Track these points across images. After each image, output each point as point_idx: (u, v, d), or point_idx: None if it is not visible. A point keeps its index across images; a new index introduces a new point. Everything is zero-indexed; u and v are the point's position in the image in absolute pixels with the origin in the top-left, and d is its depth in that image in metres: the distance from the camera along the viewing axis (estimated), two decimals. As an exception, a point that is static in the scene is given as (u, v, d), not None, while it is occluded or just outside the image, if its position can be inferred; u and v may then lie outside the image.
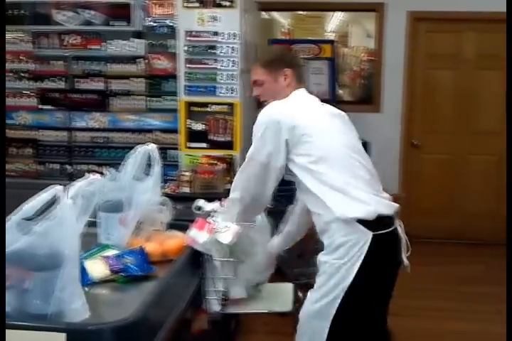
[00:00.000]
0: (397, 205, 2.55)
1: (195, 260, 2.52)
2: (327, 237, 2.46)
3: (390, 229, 2.46)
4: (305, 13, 6.45)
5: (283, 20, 7.60)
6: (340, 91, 6.68)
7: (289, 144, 2.46)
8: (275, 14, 7.16)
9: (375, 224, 2.40)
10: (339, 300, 2.40)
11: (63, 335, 1.65)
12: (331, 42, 5.98)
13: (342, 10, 7.17)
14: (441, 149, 6.17)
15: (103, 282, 2.17)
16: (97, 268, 2.20)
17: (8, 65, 5.17)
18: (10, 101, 5.22)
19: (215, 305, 2.61)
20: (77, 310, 1.78)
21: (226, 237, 2.56)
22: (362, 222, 2.39)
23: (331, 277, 2.42)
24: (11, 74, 5.20)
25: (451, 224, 6.14)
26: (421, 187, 6.19)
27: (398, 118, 6.12)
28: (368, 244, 2.38)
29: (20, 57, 5.19)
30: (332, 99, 5.57)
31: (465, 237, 6.10)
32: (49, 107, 5.18)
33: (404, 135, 6.16)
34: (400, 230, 2.53)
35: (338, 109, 5.14)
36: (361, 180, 2.47)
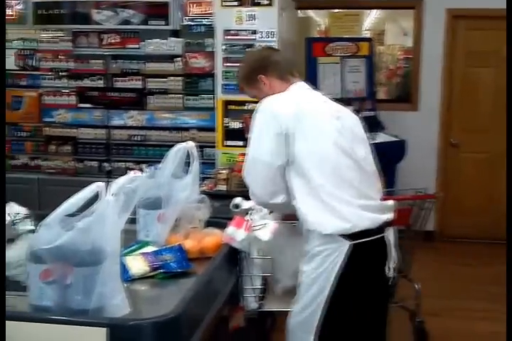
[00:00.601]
0: (387, 216, 2.41)
1: (233, 257, 2.53)
2: (307, 244, 2.38)
3: (374, 238, 2.35)
4: (342, 11, 6.41)
5: (319, 18, 7.58)
6: (377, 90, 6.63)
7: (288, 139, 2.34)
8: (311, 13, 7.15)
9: (355, 235, 2.30)
10: (320, 312, 2.33)
11: (104, 330, 1.67)
12: (369, 40, 5.93)
13: (380, 8, 7.13)
14: (479, 148, 6.08)
15: (142, 278, 2.20)
16: (137, 264, 2.22)
17: (48, 64, 5.26)
18: (49, 99, 5.30)
19: (252, 303, 2.61)
20: (118, 305, 1.80)
21: (264, 234, 2.56)
22: (339, 234, 2.31)
23: (310, 288, 2.35)
24: (50, 73, 5.28)
25: (489, 224, 6.04)
26: (459, 187, 6.12)
27: (436, 116, 6.05)
28: (345, 253, 2.29)
29: (60, 56, 5.27)
30: (369, 97, 5.54)
31: (503, 237, 6.01)
32: (88, 105, 5.25)
33: (442, 134, 6.09)
34: (390, 238, 2.42)
35: (376, 107, 5.09)
36: (348, 189, 2.33)
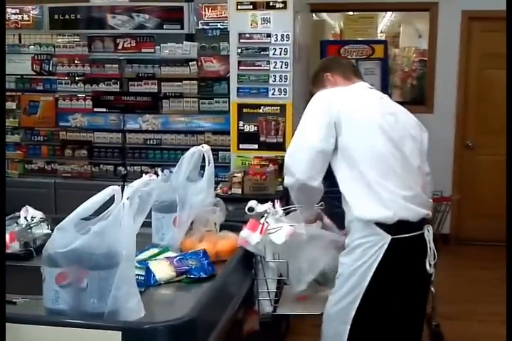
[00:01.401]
0: (427, 212, 2.48)
1: (248, 261, 2.53)
2: (348, 237, 2.45)
3: (413, 234, 2.40)
4: (356, 13, 6.41)
5: (333, 21, 7.58)
6: (392, 92, 6.61)
7: (336, 129, 2.44)
8: (325, 16, 7.15)
9: (395, 227, 2.35)
10: (357, 303, 2.38)
11: (119, 334, 1.68)
12: (383, 42, 5.93)
13: (394, 10, 7.12)
14: (495, 150, 6.02)
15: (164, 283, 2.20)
16: (162, 269, 2.22)
17: (64, 69, 5.30)
18: (65, 104, 5.34)
19: (267, 306, 2.60)
20: (133, 308, 1.80)
21: (279, 237, 2.55)
22: (381, 224, 2.36)
23: (348, 279, 2.40)
24: (66, 77, 5.31)
25: (505, 227, 6.00)
26: (475, 189, 6.08)
27: (451, 119, 6.02)
28: (386, 247, 2.34)
29: (76, 61, 5.30)
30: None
31: (521, 240, 5.96)
32: (103, 110, 5.27)
33: (457, 136, 6.06)
34: (428, 235, 2.46)
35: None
36: (394, 181, 2.41)
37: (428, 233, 2.46)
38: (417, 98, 6.67)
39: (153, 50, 5.08)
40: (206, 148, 2.63)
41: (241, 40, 4.58)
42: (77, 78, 5.29)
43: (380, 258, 2.34)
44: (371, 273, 2.35)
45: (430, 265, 2.47)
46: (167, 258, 2.29)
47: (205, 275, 2.23)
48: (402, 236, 2.36)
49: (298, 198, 2.62)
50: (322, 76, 2.75)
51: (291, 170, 2.51)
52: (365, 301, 2.37)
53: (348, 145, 2.43)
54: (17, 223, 2.53)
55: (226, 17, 4.79)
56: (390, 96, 5.97)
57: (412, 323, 2.54)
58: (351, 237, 2.43)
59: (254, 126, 4.69)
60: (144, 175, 1.94)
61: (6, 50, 4.41)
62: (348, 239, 2.44)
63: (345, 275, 2.41)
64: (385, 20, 8.58)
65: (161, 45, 5.05)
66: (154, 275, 2.17)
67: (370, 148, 2.42)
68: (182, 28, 4.99)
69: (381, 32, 8.09)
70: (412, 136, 2.58)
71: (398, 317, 2.45)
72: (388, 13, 7.95)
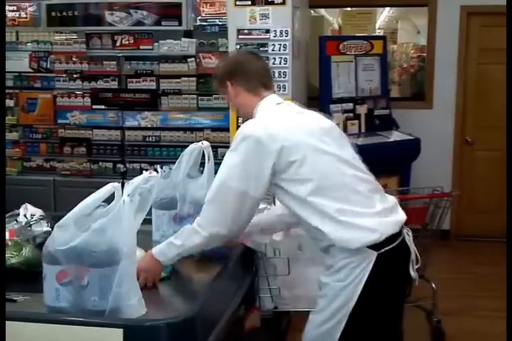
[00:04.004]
0: (402, 215, 2.35)
1: (249, 257, 2.53)
2: (329, 257, 2.29)
3: (397, 242, 2.28)
4: (355, 9, 6.39)
5: (332, 17, 7.56)
6: (391, 88, 6.59)
7: (275, 169, 2.21)
8: (324, 12, 7.13)
9: (380, 243, 2.22)
10: (343, 324, 2.25)
11: (120, 331, 1.67)
12: (382, 38, 5.90)
13: (393, 5, 7.11)
14: (495, 146, 6.03)
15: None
16: None
17: (62, 66, 5.27)
18: (64, 101, 5.32)
19: (268, 303, 2.60)
20: (134, 306, 1.80)
21: (278, 234, 2.55)
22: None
23: (334, 299, 2.26)
24: (64, 74, 5.30)
25: (504, 223, 5.99)
26: (474, 185, 6.08)
27: (451, 114, 6.01)
28: (372, 263, 2.22)
29: (73, 58, 5.28)
30: (383, 96, 5.52)
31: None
32: (101, 107, 5.25)
33: (457, 131, 6.05)
34: (409, 239, 2.36)
35: (390, 105, 5.04)
36: (361, 199, 2.25)
37: (408, 237, 2.36)
38: (416, 94, 6.66)
39: (151, 47, 5.06)
40: (206, 144, 2.63)
41: (240, 36, 4.56)
42: (75, 75, 5.27)
43: (367, 275, 2.22)
44: (358, 292, 2.23)
45: (414, 269, 2.37)
46: None
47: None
48: (387, 248, 2.24)
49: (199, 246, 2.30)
50: (224, 82, 2.45)
51: (213, 218, 2.24)
52: (353, 320, 2.25)
53: (299, 184, 2.22)
54: (16, 221, 2.53)
55: (224, 13, 4.77)
56: (389, 92, 5.98)
57: (395, 324, 2.46)
58: (334, 258, 2.26)
59: (254, 122, 4.67)
60: (143, 172, 1.93)
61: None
62: (331, 260, 2.28)
63: (330, 296, 2.27)
64: (383, 16, 8.56)
65: (160, 41, 5.03)
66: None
67: (329, 183, 2.23)
68: (180, 24, 4.97)
69: (379, 28, 8.06)
70: (345, 140, 2.42)
71: (386, 328, 2.36)
72: (386, 8, 7.92)
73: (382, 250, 2.22)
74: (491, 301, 4.47)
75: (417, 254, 2.38)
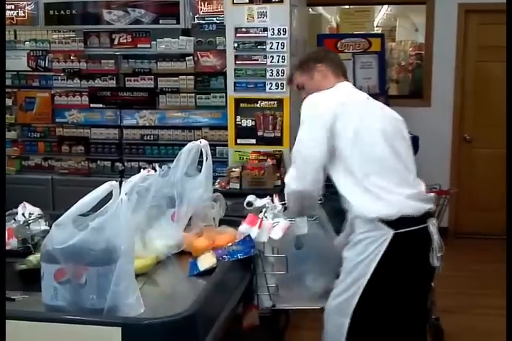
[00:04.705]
0: (429, 206, 2.49)
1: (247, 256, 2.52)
2: (353, 232, 2.47)
3: (417, 228, 2.40)
4: (352, 7, 6.39)
5: (330, 15, 7.56)
6: (389, 86, 6.59)
7: (331, 134, 2.43)
8: (321, 10, 7.13)
9: (398, 222, 2.36)
10: (357, 297, 2.39)
11: (119, 330, 1.67)
12: (380, 35, 5.91)
13: (391, 3, 7.11)
14: (493, 143, 6.03)
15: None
16: (207, 260, 2.29)
17: (60, 65, 5.28)
18: (62, 100, 5.32)
19: (266, 301, 2.60)
20: (132, 304, 1.80)
21: (276, 233, 2.55)
22: (383, 220, 2.37)
23: (350, 273, 2.42)
24: (62, 73, 5.29)
25: (503, 220, 5.99)
26: (472, 182, 6.08)
27: (449, 112, 6.01)
28: (388, 241, 2.35)
29: (71, 57, 5.28)
30: (382, 94, 5.51)
31: (519, 233, 5.97)
32: (100, 106, 5.26)
33: (455, 129, 6.05)
34: (433, 229, 2.46)
35: (388, 103, 5.07)
36: (391, 176, 2.43)
37: (432, 227, 2.46)
38: (414, 91, 6.66)
39: (149, 45, 5.06)
40: (204, 143, 2.63)
41: (237, 35, 4.56)
42: (73, 74, 5.27)
43: (382, 253, 2.35)
44: (372, 268, 2.36)
45: (436, 258, 2.47)
46: (214, 249, 2.38)
47: (244, 256, 2.34)
48: (405, 230, 2.37)
49: (296, 204, 2.61)
50: (313, 65, 2.70)
51: (298, 180, 2.50)
52: (366, 295, 2.38)
53: (345, 152, 2.43)
54: (15, 219, 2.53)
55: (222, 11, 4.78)
56: (388, 90, 5.98)
57: (414, 317, 2.53)
58: (355, 232, 2.45)
59: (252, 120, 4.68)
60: (141, 170, 1.93)
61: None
62: (353, 234, 2.46)
63: (348, 269, 2.43)
64: (381, 14, 8.56)
65: (157, 40, 5.03)
66: (197, 267, 2.25)
67: (364, 150, 2.43)
68: (178, 22, 4.97)
69: (377, 26, 8.06)
70: (402, 134, 2.60)
71: (400, 312, 2.45)
72: (384, 6, 7.93)
73: (400, 230, 2.35)
74: (490, 299, 4.47)
75: (442, 243, 2.48)
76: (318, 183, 2.49)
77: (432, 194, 2.59)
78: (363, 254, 2.38)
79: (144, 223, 2.32)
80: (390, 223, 2.36)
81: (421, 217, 2.43)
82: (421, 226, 2.42)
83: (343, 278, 2.45)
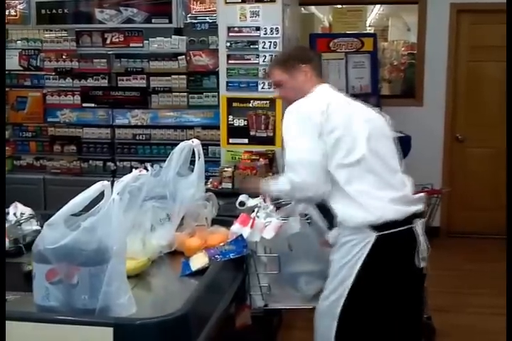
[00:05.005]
0: (416, 208, 2.47)
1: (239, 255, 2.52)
2: (337, 234, 2.49)
3: (401, 229, 2.39)
4: (345, 6, 6.39)
5: (322, 14, 7.57)
6: (381, 86, 6.60)
7: (321, 137, 2.40)
8: (314, 9, 7.13)
9: (381, 225, 2.36)
10: (343, 299, 2.41)
11: (111, 330, 1.67)
12: (373, 35, 5.92)
13: (383, 3, 7.12)
14: (485, 143, 6.05)
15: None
16: (199, 260, 2.30)
17: (51, 64, 5.25)
18: (54, 99, 5.30)
19: (259, 301, 2.60)
20: (124, 304, 1.79)
21: (268, 232, 2.55)
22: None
23: (336, 275, 2.44)
24: (54, 72, 5.27)
25: (495, 219, 6.02)
26: (465, 182, 6.09)
27: (441, 111, 6.02)
28: (371, 244, 2.36)
29: (63, 56, 5.26)
30: (374, 93, 5.52)
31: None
32: (92, 105, 5.24)
33: (447, 129, 6.07)
34: (419, 230, 2.45)
35: (380, 103, 5.08)
36: (373, 180, 2.40)
37: (418, 227, 2.45)
38: (406, 91, 6.67)
39: (141, 45, 5.04)
40: (196, 142, 2.62)
41: (230, 34, 4.55)
42: (65, 73, 5.25)
43: (365, 255, 2.37)
44: (356, 270, 2.38)
45: (422, 259, 2.45)
46: (206, 249, 2.38)
47: (236, 256, 2.35)
48: (388, 232, 2.37)
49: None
50: (297, 65, 2.60)
51: (308, 188, 2.43)
52: (351, 297, 2.40)
53: (328, 156, 2.40)
54: (6, 219, 2.52)
55: (214, 10, 4.76)
56: (380, 89, 5.99)
57: (404, 318, 2.52)
58: (340, 234, 2.46)
59: (244, 120, 4.67)
60: (133, 170, 1.93)
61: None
62: (336, 237, 2.48)
63: (334, 272, 2.45)
64: (374, 14, 8.58)
65: (150, 39, 5.02)
66: (189, 267, 2.26)
67: (348, 158, 2.39)
68: (170, 22, 4.96)
69: (370, 25, 8.08)
70: (385, 134, 2.56)
71: (386, 313, 2.44)
72: (377, 6, 7.94)
73: (382, 232, 2.35)
74: (482, 298, 4.49)
75: (427, 245, 2.47)
76: (325, 186, 2.44)
77: (421, 194, 2.57)
78: (347, 257, 2.40)
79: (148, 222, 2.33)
80: (373, 226, 2.37)
81: (405, 219, 2.41)
82: (405, 227, 2.41)
83: (330, 281, 2.47)
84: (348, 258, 2.40)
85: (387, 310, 2.44)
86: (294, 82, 2.61)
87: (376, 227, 2.36)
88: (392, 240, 2.38)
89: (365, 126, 2.46)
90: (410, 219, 2.43)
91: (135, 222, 2.24)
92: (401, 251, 2.44)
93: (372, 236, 2.36)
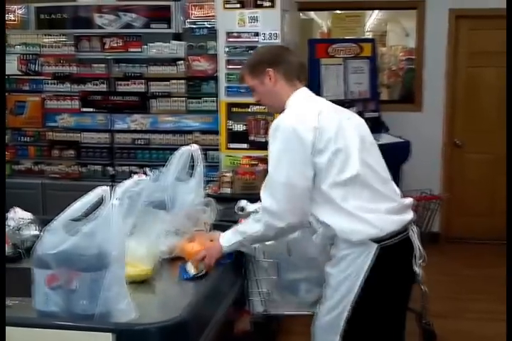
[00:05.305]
0: (410, 216, 2.42)
1: (239, 261, 2.52)
2: (333, 247, 2.37)
3: (399, 238, 2.34)
4: (343, 12, 6.40)
5: (321, 20, 7.57)
6: (380, 91, 6.60)
7: (312, 157, 2.28)
8: (313, 14, 7.14)
9: (381, 237, 2.30)
10: (346, 314, 2.33)
11: (110, 335, 1.66)
12: (371, 40, 5.92)
13: (382, 8, 7.12)
14: (484, 148, 6.06)
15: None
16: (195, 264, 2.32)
17: (50, 69, 5.26)
18: (52, 104, 5.30)
19: (258, 306, 2.60)
20: (124, 310, 1.79)
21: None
22: None
23: (337, 289, 2.35)
24: (52, 77, 5.27)
25: (494, 225, 6.02)
26: (463, 187, 6.09)
27: (440, 117, 6.03)
28: (372, 255, 2.29)
29: (62, 61, 5.27)
30: (373, 99, 5.53)
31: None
32: (90, 110, 5.24)
33: (446, 134, 6.07)
34: (413, 236, 2.42)
35: (379, 108, 5.07)
36: (370, 194, 2.32)
37: (413, 233, 2.42)
38: (404, 96, 6.67)
39: (140, 50, 5.05)
40: (195, 147, 2.62)
41: (229, 39, 4.57)
42: (64, 78, 5.25)
43: (367, 267, 2.30)
44: (359, 282, 2.30)
45: (417, 265, 2.43)
46: None
47: (229, 261, 2.41)
48: (388, 242, 2.31)
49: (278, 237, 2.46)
50: (262, 69, 2.44)
51: (282, 214, 2.30)
52: (355, 311, 2.33)
53: (319, 179, 2.29)
54: (6, 224, 2.52)
55: (213, 16, 4.77)
56: (379, 95, 5.99)
57: (400, 325, 2.51)
58: (337, 248, 2.34)
59: (243, 125, 4.68)
60: (132, 175, 1.93)
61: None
62: (334, 249, 2.36)
63: (334, 286, 2.36)
64: (372, 19, 8.58)
65: (149, 44, 5.03)
66: (187, 272, 2.27)
67: (341, 175, 2.28)
68: (169, 27, 4.97)
69: (368, 30, 8.08)
70: (371, 143, 2.48)
71: (389, 323, 2.41)
72: (375, 11, 7.95)
73: (383, 243, 2.29)
74: (480, 303, 4.49)
75: (422, 250, 2.44)
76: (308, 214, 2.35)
77: (411, 199, 2.50)
78: (348, 270, 2.31)
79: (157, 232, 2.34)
80: (374, 238, 2.29)
81: (403, 227, 2.37)
82: (403, 235, 2.37)
83: (330, 295, 2.37)
84: (350, 271, 2.31)
85: (389, 319, 2.41)
86: (263, 88, 2.47)
87: (376, 239, 2.29)
88: (392, 250, 2.33)
89: (355, 135, 2.37)
90: (406, 227, 2.40)
91: (144, 229, 2.24)
92: (401, 260, 2.41)
93: (373, 248, 2.29)
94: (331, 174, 2.28)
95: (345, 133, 2.34)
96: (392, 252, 2.33)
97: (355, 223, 2.28)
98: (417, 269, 2.43)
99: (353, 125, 2.42)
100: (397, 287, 2.41)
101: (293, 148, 2.27)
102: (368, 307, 2.33)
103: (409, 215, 2.44)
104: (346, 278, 2.32)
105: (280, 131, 2.30)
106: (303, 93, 2.48)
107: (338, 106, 2.51)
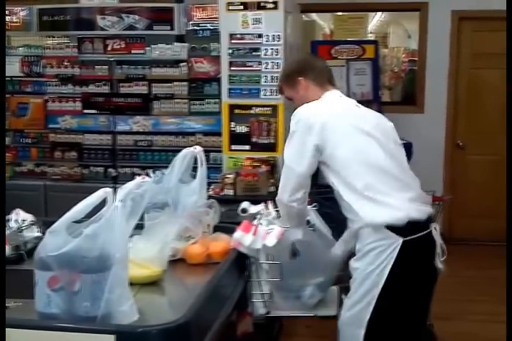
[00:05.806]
0: (430, 210, 2.53)
1: (241, 263, 2.51)
2: (358, 242, 2.47)
3: (423, 234, 2.44)
4: (346, 14, 6.41)
5: (323, 22, 7.58)
6: (382, 92, 6.61)
7: (319, 148, 2.47)
8: (315, 16, 7.15)
9: (406, 229, 2.38)
10: (371, 307, 2.40)
11: (112, 337, 1.66)
12: (374, 42, 5.93)
13: (385, 10, 7.13)
14: (486, 150, 6.05)
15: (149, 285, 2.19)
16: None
17: (53, 70, 5.27)
18: (55, 105, 5.31)
19: (260, 308, 2.59)
20: (126, 312, 1.78)
21: (270, 240, 2.54)
22: (391, 227, 2.38)
23: (362, 283, 2.42)
24: (55, 79, 5.28)
25: (496, 226, 6.01)
26: (466, 189, 6.09)
27: (442, 118, 6.03)
28: (398, 249, 2.37)
29: (65, 63, 5.27)
30: (375, 100, 5.53)
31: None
32: (93, 111, 5.25)
33: (448, 136, 6.07)
34: (436, 233, 2.50)
35: (381, 109, 5.09)
36: (392, 181, 2.45)
37: (435, 231, 2.50)
38: (406, 98, 6.68)
39: (143, 51, 5.06)
40: (198, 149, 2.61)
41: (232, 41, 4.57)
42: (66, 80, 5.25)
43: (393, 261, 2.37)
44: (385, 276, 2.37)
45: (439, 262, 2.50)
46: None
47: None
48: (413, 236, 2.39)
49: (285, 216, 2.67)
50: (295, 79, 2.70)
51: (280, 190, 2.60)
52: (380, 304, 2.39)
53: (338, 163, 2.46)
54: (7, 226, 2.51)
55: (216, 17, 4.78)
56: (381, 96, 5.99)
57: (422, 321, 2.59)
58: (362, 242, 2.44)
59: (246, 126, 4.68)
60: (135, 176, 1.92)
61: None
62: (359, 244, 2.46)
63: (359, 280, 2.43)
64: (375, 21, 8.59)
65: (151, 46, 5.04)
66: None
67: (360, 159, 2.45)
68: (172, 28, 4.98)
69: (371, 32, 8.09)
70: (394, 139, 2.62)
71: (412, 318, 2.48)
72: (378, 13, 7.96)
73: (408, 238, 2.37)
74: (482, 305, 4.48)
75: (444, 247, 2.52)
76: (296, 194, 2.54)
77: (429, 197, 2.65)
78: (373, 264, 2.39)
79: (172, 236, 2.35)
80: (398, 230, 2.37)
81: (425, 221, 2.46)
82: (426, 231, 2.45)
83: (356, 289, 2.45)
84: (376, 265, 2.39)
85: (412, 314, 2.48)
86: (298, 96, 2.71)
87: (401, 232, 2.37)
88: (416, 245, 2.41)
89: (375, 130, 2.51)
90: (428, 222, 2.48)
91: (160, 232, 2.26)
92: (424, 256, 2.47)
93: (398, 241, 2.37)
94: (352, 164, 2.43)
95: (360, 129, 2.49)
96: (416, 247, 2.41)
97: (379, 208, 2.39)
98: (440, 265, 2.50)
99: (372, 123, 2.57)
100: (420, 282, 2.47)
101: (301, 137, 2.48)
102: (392, 301, 2.40)
103: (430, 209, 2.53)
104: (372, 271, 2.39)
105: (295, 119, 2.53)
106: (334, 93, 2.69)
107: (362, 107, 2.68)
